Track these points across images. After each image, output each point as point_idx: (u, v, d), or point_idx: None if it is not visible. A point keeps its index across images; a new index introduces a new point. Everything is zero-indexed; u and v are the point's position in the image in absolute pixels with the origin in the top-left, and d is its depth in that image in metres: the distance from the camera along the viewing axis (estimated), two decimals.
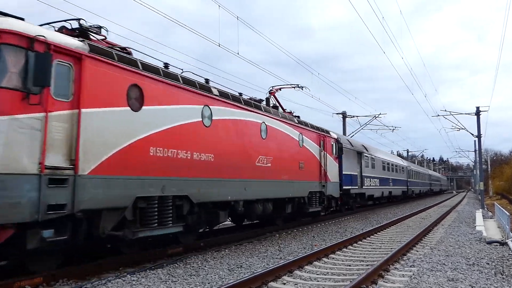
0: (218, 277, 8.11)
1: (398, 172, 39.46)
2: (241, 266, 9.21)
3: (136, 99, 8.71)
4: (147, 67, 9.21)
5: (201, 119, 10.64)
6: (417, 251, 11.08)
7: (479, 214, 24.29)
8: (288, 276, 8.10)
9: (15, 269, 7.82)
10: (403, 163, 44.76)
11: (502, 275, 8.28)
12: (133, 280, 7.77)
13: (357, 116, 38.54)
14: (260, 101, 15.02)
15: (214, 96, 11.32)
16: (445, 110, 37.65)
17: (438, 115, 38.78)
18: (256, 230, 15.03)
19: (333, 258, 10.15)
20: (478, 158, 45.57)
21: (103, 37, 8.94)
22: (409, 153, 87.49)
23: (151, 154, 8.94)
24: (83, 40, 7.91)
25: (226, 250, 11.32)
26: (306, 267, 8.97)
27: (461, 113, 37.12)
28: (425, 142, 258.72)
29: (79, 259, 9.15)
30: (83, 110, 7.50)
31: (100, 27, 8.91)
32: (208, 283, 7.62)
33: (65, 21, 8.34)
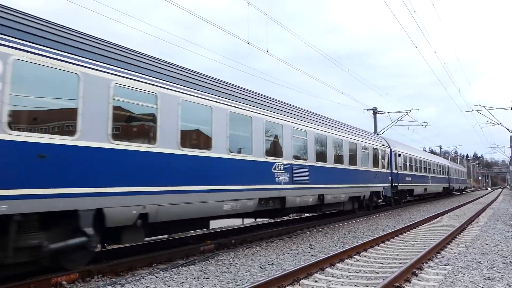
0: (249, 274, 8.15)
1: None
2: (272, 263, 9.23)
3: None
4: None
5: None
6: (452, 249, 10.85)
7: None
8: (319, 273, 8.07)
9: (51, 265, 8.03)
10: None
11: None
12: (166, 276, 7.88)
13: (388, 112, 38.01)
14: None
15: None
16: (480, 105, 36.75)
17: (472, 110, 37.95)
18: (287, 227, 15.02)
19: (365, 256, 10.05)
20: None
21: None
22: (442, 149, 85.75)
23: None
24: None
25: (257, 247, 11.35)
26: (337, 264, 8.90)
27: (496, 108, 36.29)
28: (459, 138, 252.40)
29: (111, 256, 9.34)
30: None
31: None
32: (240, 280, 7.66)
33: None
